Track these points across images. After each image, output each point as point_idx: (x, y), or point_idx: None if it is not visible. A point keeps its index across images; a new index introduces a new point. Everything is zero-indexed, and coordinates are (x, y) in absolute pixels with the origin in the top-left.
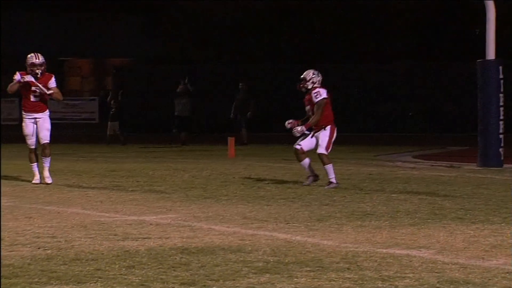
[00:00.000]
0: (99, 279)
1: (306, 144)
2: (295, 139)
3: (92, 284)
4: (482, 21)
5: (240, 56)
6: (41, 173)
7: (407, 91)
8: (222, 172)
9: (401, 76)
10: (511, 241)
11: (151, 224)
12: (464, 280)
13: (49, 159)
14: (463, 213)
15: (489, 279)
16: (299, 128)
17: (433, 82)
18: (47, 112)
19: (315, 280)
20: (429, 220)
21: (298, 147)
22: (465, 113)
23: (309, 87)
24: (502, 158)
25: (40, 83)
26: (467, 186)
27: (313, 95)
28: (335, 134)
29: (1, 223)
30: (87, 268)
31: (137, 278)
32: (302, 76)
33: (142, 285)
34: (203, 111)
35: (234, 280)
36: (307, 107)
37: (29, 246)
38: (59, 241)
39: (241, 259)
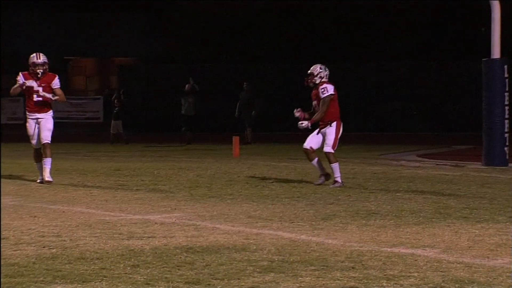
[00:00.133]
0: (104, 278)
1: (314, 142)
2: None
3: (97, 283)
4: (482, 21)
5: (241, 56)
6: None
7: (408, 90)
8: (227, 171)
9: (402, 75)
10: None
11: (156, 223)
12: (469, 279)
13: (50, 159)
14: (468, 212)
15: (494, 278)
16: (303, 124)
17: (434, 82)
18: (50, 113)
19: (320, 279)
20: (433, 219)
21: (307, 147)
22: (465, 112)
23: (317, 81)
24: (507, 157)
25: (42, 83)
26: (472, 185)
27: (320, 91)
28: (341, 130)
29: (7, 222)
30: (92, 267)
31: (142, 277)
32: (309, 71)
33: (147, 284)
34: (203, 111)
35: (238, 279)
36: (314, 102)
37: (34, 245)
38: (64, 240)
39: (246, 258)
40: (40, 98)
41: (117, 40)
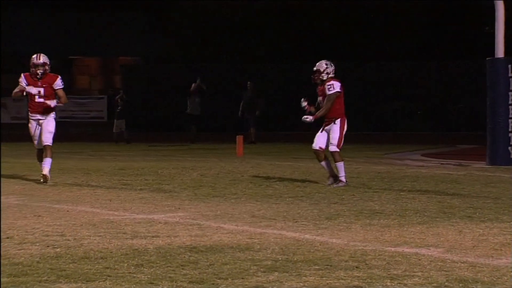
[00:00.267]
0: (108, 278)
1: (322, 142)
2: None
3: (101, 283)
4: (482, 20)
5: (241, 56)
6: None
7: (408, 90)
8: (231, 170)
9: (402, 75)
10: None
11: (159, 222)
12: (473, 278)
13: (50, 160)
14: (472, 212)
15: (498, 278)
16: (308, 119)
17: (435, 82)
18: (52, 114)
19: (324, 278)
20: (437, 219)
21: (317, 147)
22: (465, 112)
23: (324, 78)
24: (511, 156)
25: (43, 84)
26: (476, 185)
27: (327, 87)
28: (345, 127)
29: (11, 221)
30: (96, 266)
31: (145, 276)
32: (315, 68)
33: (150, 283)
34: (203, 110)
35: (242, 278)
36: (319, 98)
37: (38, 244)
38: (68, 240)
39: (250, 257)
40: (42, 100)
41: (118, 40)
